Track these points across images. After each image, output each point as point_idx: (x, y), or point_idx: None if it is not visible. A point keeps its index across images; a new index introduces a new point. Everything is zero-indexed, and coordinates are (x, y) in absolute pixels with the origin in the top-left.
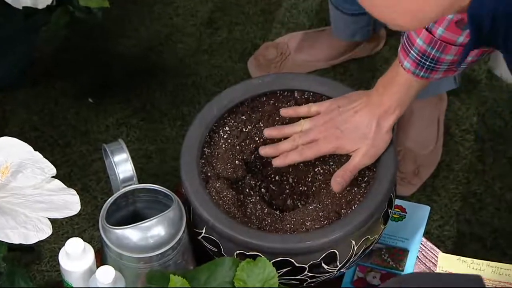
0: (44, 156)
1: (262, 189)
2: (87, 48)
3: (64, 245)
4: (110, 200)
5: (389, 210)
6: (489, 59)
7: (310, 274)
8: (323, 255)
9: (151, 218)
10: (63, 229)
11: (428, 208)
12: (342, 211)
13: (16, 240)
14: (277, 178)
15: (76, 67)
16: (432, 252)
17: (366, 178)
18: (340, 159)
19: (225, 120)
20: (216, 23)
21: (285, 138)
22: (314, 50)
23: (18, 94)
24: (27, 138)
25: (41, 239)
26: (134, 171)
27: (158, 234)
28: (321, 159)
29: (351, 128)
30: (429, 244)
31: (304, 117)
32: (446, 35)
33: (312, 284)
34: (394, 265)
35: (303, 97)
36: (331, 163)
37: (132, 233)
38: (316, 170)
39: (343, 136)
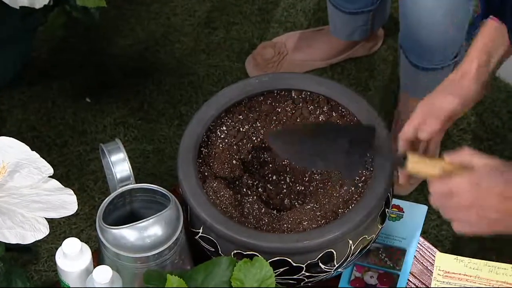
0: (42, 156)
1: (259, 189)
2: (84, 48)
3: (61, 245)
4: (107, 199)
5: (386, 210)
6: None
7: (307, 274)
8: (320, 254)
9: (148, 218)
10: (60, 229)
11: (425, 207)
12: (339, 210)
13: (13, 240)
14: (274, 177)
15: (73, 67)
16: (429, 252)
17: (363, 177)
18: None
19: (223, 120)
20: (214, 23)
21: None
22: (312, 49)
23: (15, 94)
24: (24, 138)
25: (38, 239)
26: (131, 170)
27: (155, 234)
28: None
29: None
30: (427, 244)
31: None
32: None
33: (309, 284)
34: (391, 265)
35: (300, 96)
36: None
37: (129, 233)
38: (313, 169)
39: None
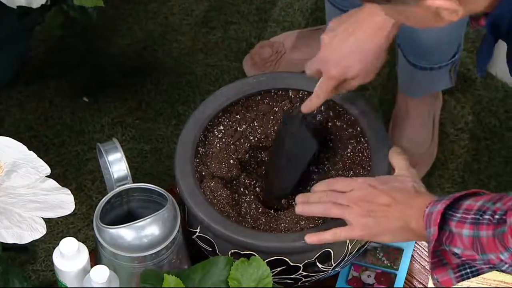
0: (39, 156)
1: (257, 188)
2: (81, 48)
3: (58, 244)
4: (105, 199)
5: None
6: None
7: (304, 273)
8: (318, 254)
9: (145, 217)
10: (58, 228)
11: None
12: None
13: (10, 240)
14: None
15: (71, 66)
16: (427, 251)
17: (360, 175)
18: (334, 159)
19: (220, 119)
20: (212, 22)
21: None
22: (310, 49)
23: (13, 94)
24: (22, 138)
25: (35, 238)
26: (129, 170)
27: (153, 234)
28: (316, 159)
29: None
30: (424, 243)
31: None
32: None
33: (307, 283)
34: (389, 264)
35: (297, 96)
36: (325, 163)
37: (126, 233)
38: (310, 169)
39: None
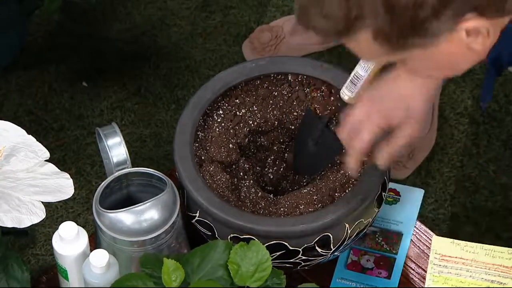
0: (38, 140)
1: (256, 173)
2: (80, 32)
3: (58, 228)
4: (104, 183)
5: (383, 194)
6: None
7: (304, 258)
8: (317, 238)
9: (145, 201)
10: (57, 213)
11: (422, 191)
12: (336, 194)
13: (9, 224)
14: (270, 161)
15: (70, 51)
16: (426, 235)
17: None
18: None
19: (219, 104)
20: (211, 7)
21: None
22: (309, 33)
23: (12, 78)
24: (21, 122)
25: (34, 222)
26: (128, 154)
27: (152, 218)
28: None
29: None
30: (423, 227)
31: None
32: None
33: (306, 268)
34: (388, 248)
35: (297, 80)
36: None
37: (125, 217)
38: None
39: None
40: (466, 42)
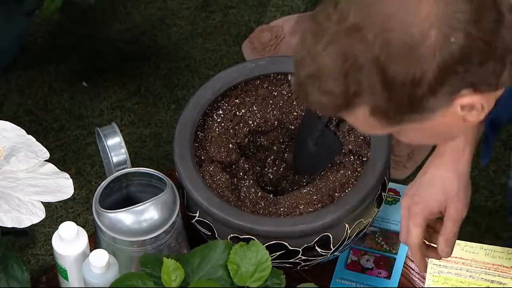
0: (38, 140)
1: (256, 173)
2: (80, 32)
3: (58, 228)
4: (104, 183)
5: (383, 194)
6: None
7: (303, 258)
8: (317, 238)
9: (144, 201)
10: (57, 213)
11: None
12: (336, 194)
13: (9, 224)
14: (270, 161)
15: (70, 51)
16: None
17: (360, 161)
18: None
19: (219, 104)
20: (211, 7)
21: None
22: None
23: (12, 78)
24: (21, 122)
25: (34, 222)
26: (128, 154)
27: (152, 218)
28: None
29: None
30: None
31: None
32: None
33: (306, 268)
34: (387, 248)
35: None
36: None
37: (125, 217)
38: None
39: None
40: (460, 115)
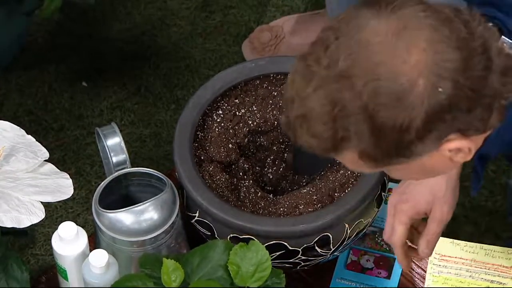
0: (38, 140)
1: (256, 173)
2: (80, 32)
3: (58, 228)
4: (103, 183)
5: (383, 193)
6: None
7: (303, 258)
8: (317, 238)
9: (144, 201)
10: (57, 213)
11: None
12: (336, 194)
13: (8, 224)
14: (270, 161)
15: (69, 51)
16: None
17: None
18: None
19: (219, 104)
20: (211, 7)
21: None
22: (309, 33)
23: (11, 78)
24: (20, 122)
25: (33, 222)
26: (127, 154)
27: (151, 218)
28: None
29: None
30: None
31: None
32: None
33: (306, 268)
34: (387, 248)
35: None
36: None
37: (125, 217)
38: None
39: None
40: (448, 156)
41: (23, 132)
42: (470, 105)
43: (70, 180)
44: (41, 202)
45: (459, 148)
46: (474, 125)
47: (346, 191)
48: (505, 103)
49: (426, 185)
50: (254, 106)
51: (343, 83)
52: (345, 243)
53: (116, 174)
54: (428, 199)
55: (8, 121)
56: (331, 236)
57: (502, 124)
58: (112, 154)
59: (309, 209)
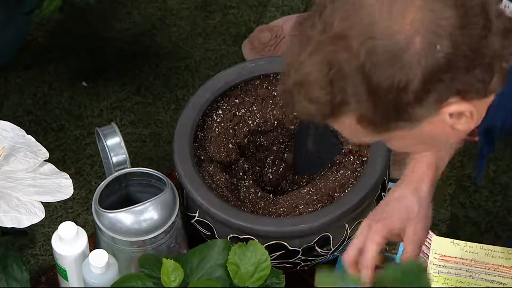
0: (38, 140)
1: (256, 173)
2: (80, 32)
3: (57, 228)
4: (103, 183)
5: (383, 193)
6: None
7: (303, 258)
8: (317, 238)
9: (144, 202)
10: (57, 213)
11: None
12: (336, 194)
13: (8, 224)
14: (270, 161)
15: (69, 50)
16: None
17: (360, 161)
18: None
19: (219, 104)
20: (210, 6)
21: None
22: None
23: (11, 78)
24: (20, 122)
25: (33, 222)
26: (127, 154)
27: (151, 218)
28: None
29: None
30: None
31: None
32: None
33: (306, 268)
34: (387, 248)
35: None
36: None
37: (125, 217)
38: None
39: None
40: (449, 123)
41: (23, 132)
42: (469, 65)
43: (70, 180)
44: (41, 202)
45: (460, 112)
46: (475, 87)
47: (346, 191)
48: (506, 66)
49: (401, 204)
50: (254, 106)
51: (339, 44)
52: (345, 243)
53: (116, 174)
54: (402, 216)
55: (8, 121)
56: (331, 236)
57: (505, 90)
58: (112, 154)
59: (309, 209)
